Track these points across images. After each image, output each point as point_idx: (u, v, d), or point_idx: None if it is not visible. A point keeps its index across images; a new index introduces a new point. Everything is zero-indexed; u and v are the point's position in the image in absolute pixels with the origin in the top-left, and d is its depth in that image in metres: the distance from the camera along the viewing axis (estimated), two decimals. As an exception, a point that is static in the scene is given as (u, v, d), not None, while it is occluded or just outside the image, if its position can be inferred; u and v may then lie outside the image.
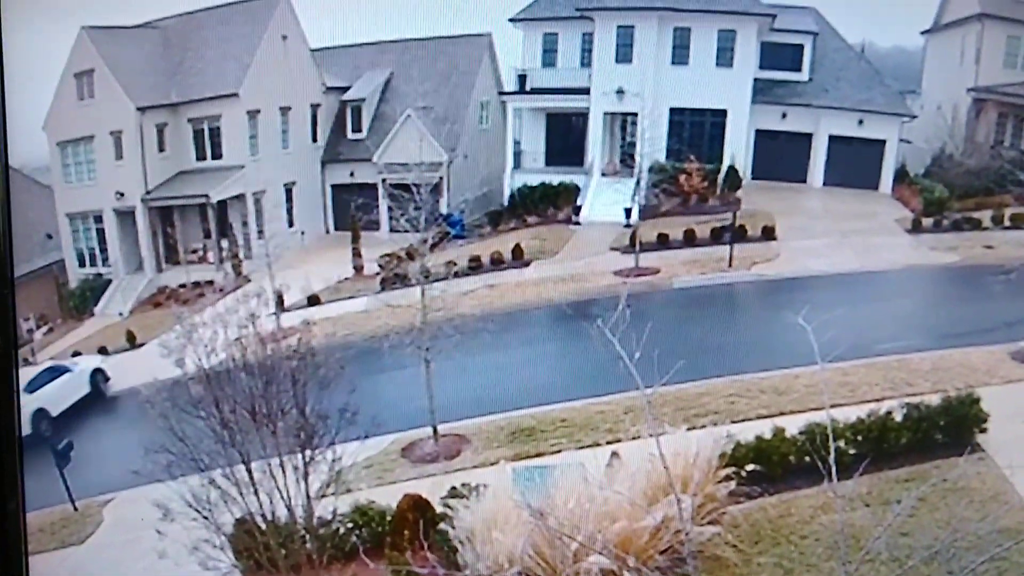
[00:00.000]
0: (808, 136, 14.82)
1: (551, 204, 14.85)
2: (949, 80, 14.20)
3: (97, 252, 14.39)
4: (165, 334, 10.95)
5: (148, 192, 14.22)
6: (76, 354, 13.18)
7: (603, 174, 15.03)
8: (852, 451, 10.24)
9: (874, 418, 10.55)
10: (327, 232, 15.38)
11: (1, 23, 8.22)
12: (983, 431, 10.52)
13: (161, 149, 14.19)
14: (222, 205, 14.41)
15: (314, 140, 15.34)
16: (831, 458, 8.46)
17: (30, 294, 12.74)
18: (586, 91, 14.76)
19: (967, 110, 13.86)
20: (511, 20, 14.85)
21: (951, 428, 10.52)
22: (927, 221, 13.79)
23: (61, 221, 13.99)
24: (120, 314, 14.01)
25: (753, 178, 14.62)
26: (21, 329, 10.69)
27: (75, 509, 11.31)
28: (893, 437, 10.48)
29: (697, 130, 14.57)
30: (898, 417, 10.60)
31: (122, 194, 14.17)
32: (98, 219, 14.27)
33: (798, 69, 14.80)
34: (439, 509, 10.14)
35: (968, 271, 12.86)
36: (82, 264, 14.31)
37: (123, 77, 13.82)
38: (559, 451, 11.02)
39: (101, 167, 13.94)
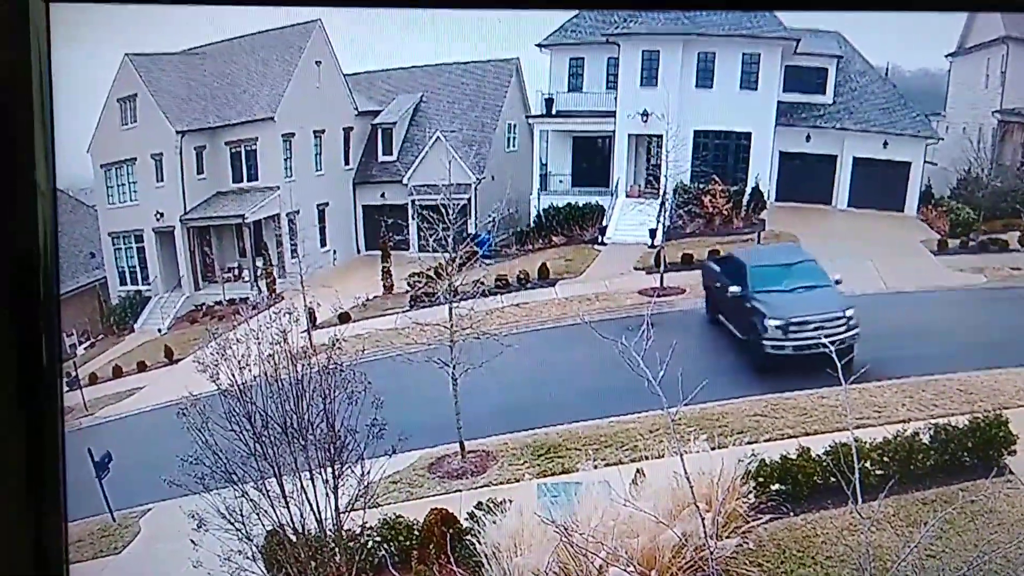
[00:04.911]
0: (832, 158, 14.80)
1: (577, 224, 14.96)
2: (974, 103, 14.13)
3: (137, 270, 14.73)
4: (200, 350, 11.26)
5: (186, 212, 14.59)
6: (117, 369, 13.55)
7: (628, 195, 15.14)
8: (879, 472, 10.24)
9: (901, 439, 10.54)
10: (358, 252, 15.58)
11: (51, 54, 8.55)
12: (1011, 453, 10.45)
13: (199, 171, 14.53)
14: (257, 225, 14.72)
15: (346, 162, 15.59)
16: (856, 478, 8.51)
17: (73, 310, 13.07)
18: (611, 114, 14.89)
19: (992, 132, 13.80)
20: (539, 45, 15.04)
21: (979, 450, 10.47)
22: (953, 243, 13.71)
23: (104, 240, 14.32)
24: (159, 330, 14.33)
25: (777, 200, 14.59)
26: (64, 344, 10.98)
27: (113, 520, 11.63)
28: (920, 458, 10.45)
29: (721, 152, 14.62)
30: (925, 438, 10.57)
31: (162, 214, 14.52)
32: (139, 238, 14.64)
33: (822, 92, 14.80)
34: (465, 524, 10.30)
35: (995, 292, 12.77)
36: (123, 282, 14.64)
37: (164, 102, 14.21)
38: (583, 468, 11.10)
39: (142, 188, 14.28)
